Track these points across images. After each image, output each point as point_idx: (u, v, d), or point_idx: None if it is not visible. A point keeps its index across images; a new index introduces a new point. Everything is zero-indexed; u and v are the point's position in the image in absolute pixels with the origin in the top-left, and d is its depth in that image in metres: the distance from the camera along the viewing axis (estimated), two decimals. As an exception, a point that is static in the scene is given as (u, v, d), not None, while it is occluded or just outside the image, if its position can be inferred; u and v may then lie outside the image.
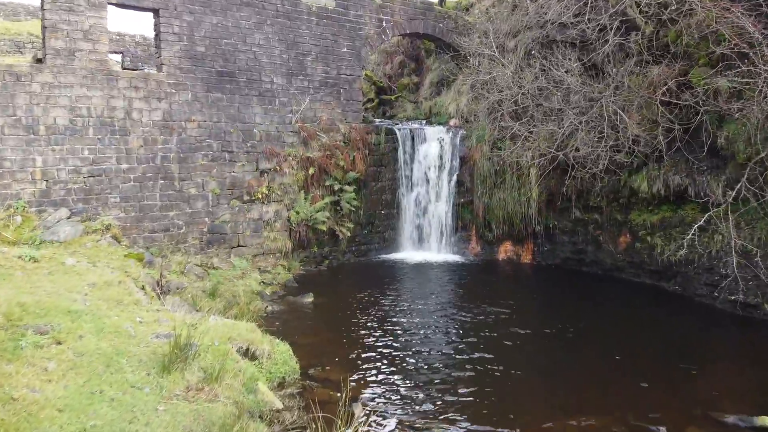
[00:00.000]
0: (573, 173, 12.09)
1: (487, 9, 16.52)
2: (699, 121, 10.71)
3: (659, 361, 8.42)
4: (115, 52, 21.88)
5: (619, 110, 10.74)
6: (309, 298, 10.92)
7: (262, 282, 11.71)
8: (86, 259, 9.48)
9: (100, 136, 11.48)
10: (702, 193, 11.14)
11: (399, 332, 9.42)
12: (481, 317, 10.22)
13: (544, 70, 12.46)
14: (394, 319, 10.04)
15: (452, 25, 17.04)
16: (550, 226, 14.37)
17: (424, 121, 17.77)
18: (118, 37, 22.57)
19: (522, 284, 13.66)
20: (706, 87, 10.48)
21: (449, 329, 9.65)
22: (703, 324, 10.34)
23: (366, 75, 21.06)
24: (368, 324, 9.75)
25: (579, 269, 14.12)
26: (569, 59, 12.05)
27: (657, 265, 12.15)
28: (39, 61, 11.57)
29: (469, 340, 9.12)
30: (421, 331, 9.50)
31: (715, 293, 10.84)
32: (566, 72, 11.88)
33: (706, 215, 10.45)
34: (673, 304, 11.34)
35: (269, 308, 10.13)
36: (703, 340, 9.58)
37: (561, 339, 9.32)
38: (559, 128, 11.72)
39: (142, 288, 8.00)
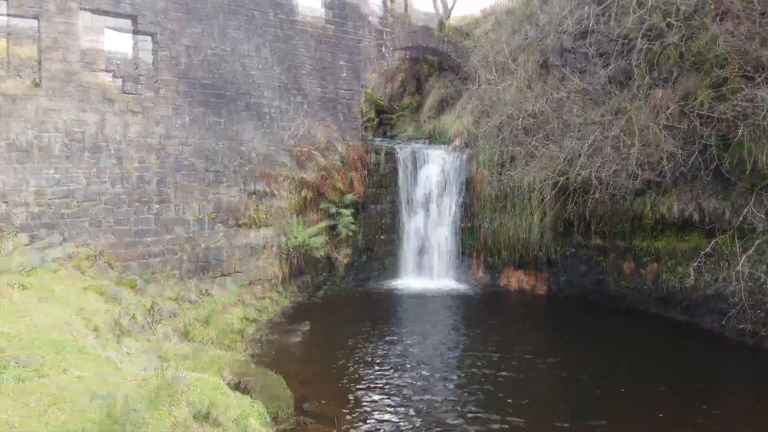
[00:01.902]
0: (588, 196, 11.58)
1: (492, 26, 16.11)
2: (703, 144, 10.24)
3: (670, 397, 8.01)
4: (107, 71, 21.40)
5: (651, 123, 10.20)
6: (305, 327, 10.36)
7: (257, 310, 11.12)
8: (75, 286, 8.93)
9: (68, 154, 10.78)
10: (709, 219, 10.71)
11: (398, 368, 8.99)
12: (483, 351, 9.79)
13: (563, 79, 11.94)
14: (393, 354, 9.55)
15: (454, 43, 16.67)
16: (556, 251, 13.84)
17: (426, 142, 17.31)
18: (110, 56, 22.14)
19: (525, 313, 13.24)
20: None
21: (450, 365, 9.21)
22: (712, 354, 10.02)
23: (366, 94, 20.71)
24: (366, 358, 9.26)
25: (583, 296, 13.70)
26: (590, 71, 11.45)
27: (662, 292, 11.78)
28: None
29: (470, 375, 8.76)
30: (422, 368, 9.08)
31: (723, 322, 10.41)
32: (580, 90, 11.34)
33: (712, 242, 10.03)
34: (680, 333, 11.01)
35: (263, 337, 9.56)
36: (714, 371, 9.26)
37: (565, 371, 8.94)
38: (578, 146, 11.19)
39: (133, 317, 7.35)
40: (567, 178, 11.61)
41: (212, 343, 9.26)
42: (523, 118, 12.29)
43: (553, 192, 12.45)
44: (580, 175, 11.49)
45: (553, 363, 9.14)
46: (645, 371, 8.90)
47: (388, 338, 10.23)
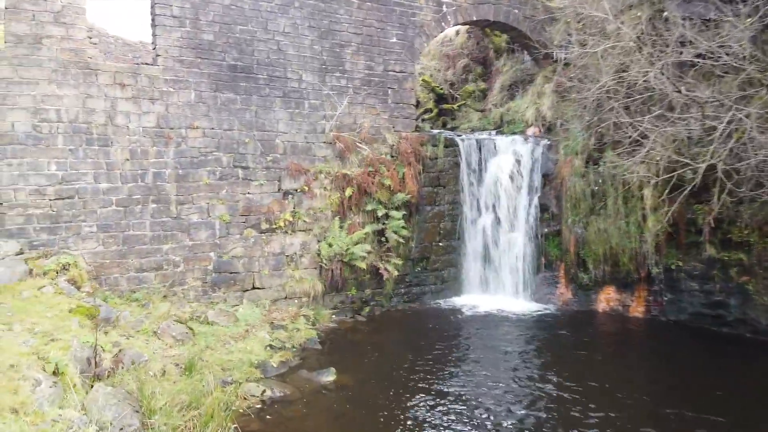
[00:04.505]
0: (723, 195, 8.37)
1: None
2: None
3: None
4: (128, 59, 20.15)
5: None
6: (330, 377, 7.56)
7: (270, 345, 8.57)
8: (59, 307, 6.99)
9: (72, 147, 8.96)
10: None
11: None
12: (583, 417, 6.76)
13: (684, 44, 8.89)
14: (461, 424, 6.69)
15: (530, 12, 13.75)
16: (672, 267, 10.54)
17: (493, 131, 14.48)
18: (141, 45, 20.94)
19: (634, 350, 9.88)
20: None
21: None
22: None
23: (424, 80, 18.07)
24: (417, 418, 6.42)
25: (717, 329, 10.17)
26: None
27: None
28: None
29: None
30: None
31: None
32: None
33: None
34: None
35: (267, 394, 6.91)
36: None
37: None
38: (714, 125, 8.10)
39: (54, 373, 5.09)
40: (694, 171, 8.41)
41: (226, 384, 7.11)
42: (628, 91, 9.30)
43: (692, 185, 9.14)
44: (717, 167, 8.35)
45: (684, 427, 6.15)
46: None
47: (451, 391, 7.52)
